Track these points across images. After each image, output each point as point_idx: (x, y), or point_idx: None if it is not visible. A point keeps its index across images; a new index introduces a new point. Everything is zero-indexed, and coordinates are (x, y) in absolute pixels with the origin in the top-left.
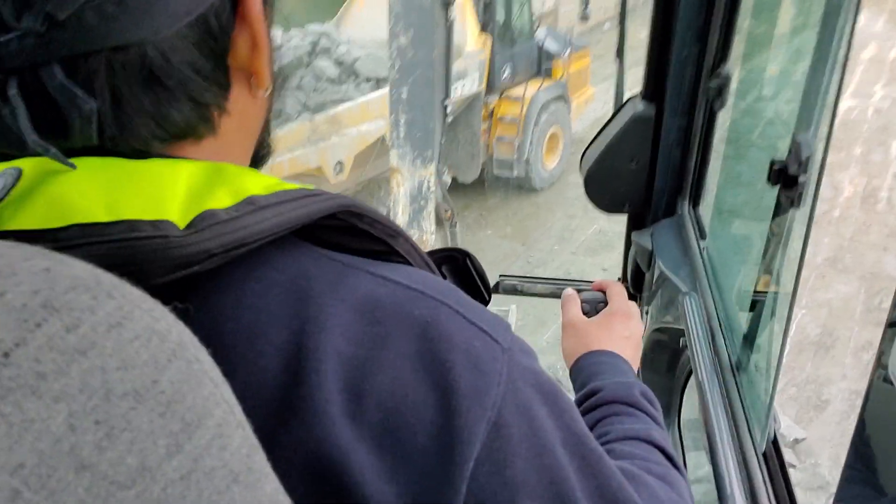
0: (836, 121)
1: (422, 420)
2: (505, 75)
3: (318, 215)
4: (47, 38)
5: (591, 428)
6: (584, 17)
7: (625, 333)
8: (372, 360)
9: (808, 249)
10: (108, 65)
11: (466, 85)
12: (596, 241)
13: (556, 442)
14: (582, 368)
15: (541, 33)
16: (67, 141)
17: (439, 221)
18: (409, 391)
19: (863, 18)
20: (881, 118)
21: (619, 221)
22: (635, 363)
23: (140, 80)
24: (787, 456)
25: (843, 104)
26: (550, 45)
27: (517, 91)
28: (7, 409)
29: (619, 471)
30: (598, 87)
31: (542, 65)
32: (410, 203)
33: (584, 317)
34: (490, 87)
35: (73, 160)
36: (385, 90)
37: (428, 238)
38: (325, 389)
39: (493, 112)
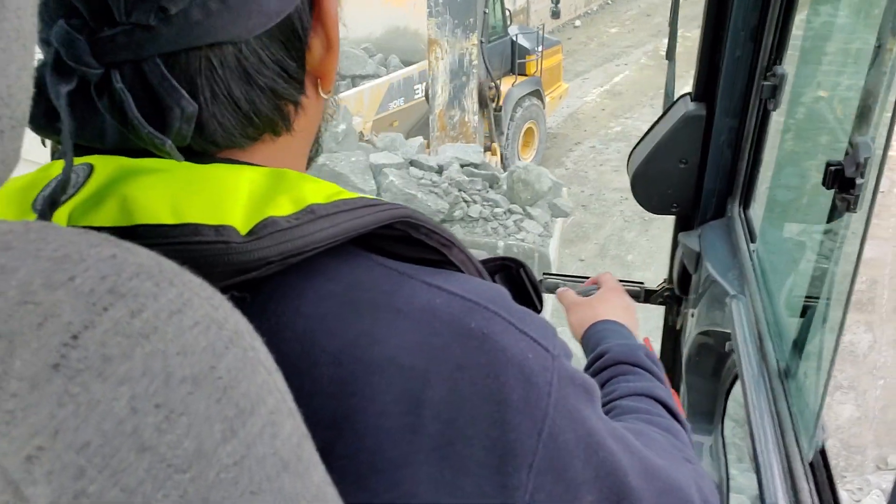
0: None
1: (478, 432)
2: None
3: (375, 225)
4: (154, 33)
5: (601, 387)
6: (556, 15)
7: (622, 304)
8: (430, 371)
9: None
10: (208, 62)
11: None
12: (572, 233)
13: (604, 435)
14: (590, 336)
15: (513, 30)
16: (163, 134)
17: (482, 101)
18: (467, 403)
19: None
20: None
21: (596, 213)
22: (636, 330)
23: (235, 77)
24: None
25: None
26: (523, 42)
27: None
28: (75, 389)
29: (629, 430)
30: (571, 83)
31: (515, 61)
32: (451, 79)
33: (584, 297)
34: None
35: (144, 161)
36: (360, 88)
37: (470, 119)
38: (378, 402)
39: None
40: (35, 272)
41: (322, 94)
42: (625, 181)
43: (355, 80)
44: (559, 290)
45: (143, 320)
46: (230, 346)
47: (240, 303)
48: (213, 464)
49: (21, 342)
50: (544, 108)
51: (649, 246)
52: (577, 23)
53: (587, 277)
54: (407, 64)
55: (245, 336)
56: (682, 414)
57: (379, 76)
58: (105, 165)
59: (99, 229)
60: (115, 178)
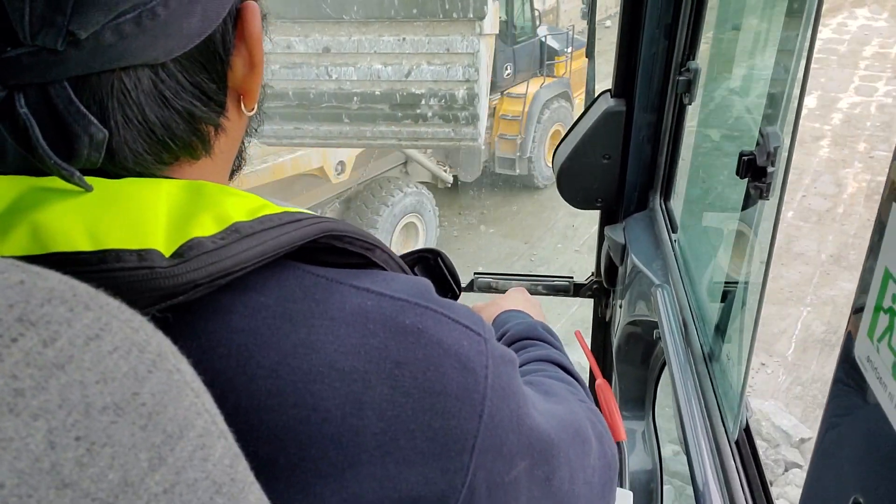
0: (839, 117)
1: (421, 424)
2: (507, 73)
3: (301, 241)
4: (62, 56)
5: None
6: (586, 15)
7: (524, 297)
8: (370, 372)
9: (812, 246)
10: (121, 85)
11: None
12: (586, 246)
13: (528, 403)
14: (495, 325)
15: (542, 31)
16: (68, 164)
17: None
18: (409, 398)
19: (867, 13)
20: (885, 114)
21: None
22: (539, 317)
23: (150, 101)
24: (793, 455)
25: (847, 100)
26: (552, 43)
27: (519, 89)
28: None
29: (532, 385)
30: (602, 84)
31: (544, 62)
32: None
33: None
34: (492, 85)
35: (51, 180)
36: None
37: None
38: (320, 409)
39: (495, 110)
40: None
41: (245, 112)
42: None
43: None
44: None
45: (58, 349)
46: (153, 370)
47: (163, 323)
48: (140, 494)
49: None
50: (573, 110)
51: None
52: (608, 23)
53: (516, 275)
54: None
55: (169, 358)
56: (576, 371)
57: None
58: (10, 188)
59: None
60: (21, 202)
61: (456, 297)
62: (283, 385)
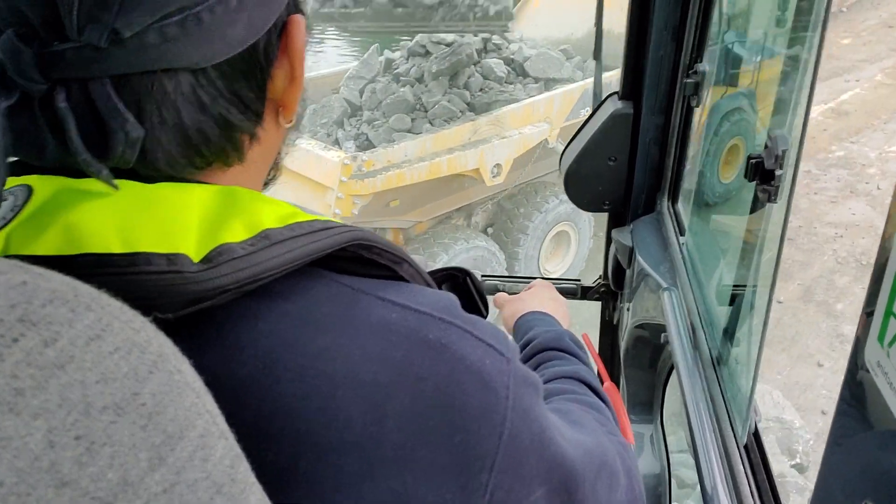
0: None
1: (440, 439)
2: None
3: (330, 249)
4: (105, 53)
5: None
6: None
7: (550, 296)
8: (392, 384)
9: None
10: (160, 87)
11: None
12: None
13: (552, 429)
14: (520, 326)
15: (729, 37)
16: (102, 161)
17: None
18: (430, 412)
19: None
20: None
21: (803, 249)
22: (565, 321)
23: (187, 105)
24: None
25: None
26: (739, 51)
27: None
28: None
29: (560, 412)
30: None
31: (728, 71)
32: None
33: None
34: None
35: (87, 182)
36: (552, 93)
37: None
38: (342, 416)
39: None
40: None
41: (283, 123)
42: (843, 215)
43: (549, 83)
44: (495, 296)
45: (58, 349)
46: (154, 371)
47: (164, 325)
48: (140, 493)
49: None
50: (756, 123)
51: (863, 295)
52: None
53: (524, 277)
54: (608, 69)
55: (170, 359)
56: (603, 388)
57: (574, 80)
58: (45, 187)
59: (41, 258)
60: (56, 202)
61: (484, 318)
62: (308, 389)
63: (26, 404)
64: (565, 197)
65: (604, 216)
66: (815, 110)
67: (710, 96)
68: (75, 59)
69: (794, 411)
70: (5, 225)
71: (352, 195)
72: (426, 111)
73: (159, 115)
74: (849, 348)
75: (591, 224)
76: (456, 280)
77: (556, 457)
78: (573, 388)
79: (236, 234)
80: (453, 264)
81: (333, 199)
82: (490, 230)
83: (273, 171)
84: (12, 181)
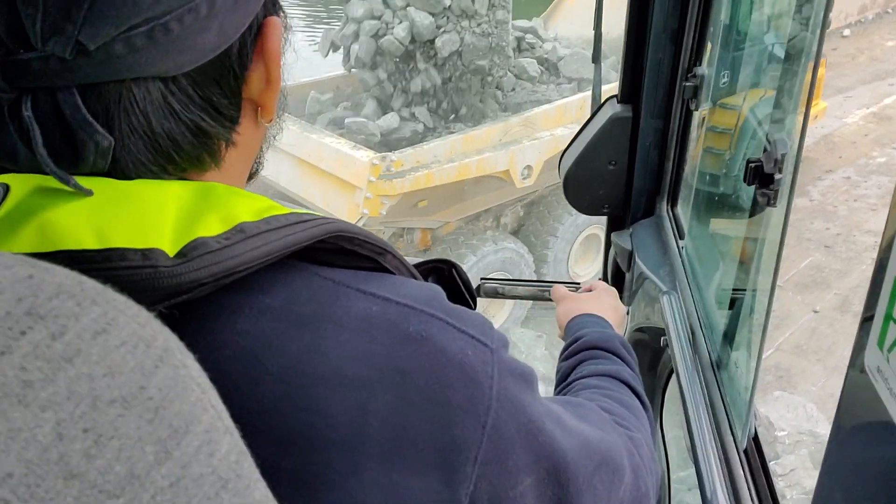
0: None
1: (425, 434)
2: (723, 81)
3: (307, 242)
4: (71, 64)
5: (573, 368)
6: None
7: (612, 303)
8: (374, 380)
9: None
10: (129, 96)
11: None
12: (809, 277)
13: (542, 419)
14: (572, 326)
15: (770, 38)
16: (74, 169)
17: None
18: (413, 407)
19: None
20: None
21: (841, 258)
22: (620, 329)
23: (157, 114)
24: None
25: None
26: (779, 52)
27: (734, 100)
28: None
29: (567, 403)
30: (831, 101)
31: (767, 73)
32: None
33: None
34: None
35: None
36: (584, 94)
37: None
38: (326, 414)
39: (703, 121)
40: None
41: (262, 123)
42: (883, 223)
43: (582, 83)
44: (553, 287)
45: (66, 342)
46: (160, 365)
47: (169, 320)
48: (147, 487)
49: None
50: (796, 127)
51: None
52: (846, 32)
53: (523, 281)
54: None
55: (175, 353)
56: (646, 398)
57: (608, 81)
58: (21, 185)
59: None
60: (31, 201)
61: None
62: (290, 390)
63: (35, 396)
64: None
65: None
66: (857, 114)
67: (707, 99)
68: (41, 69)
69: (829, 425)
70: None
71: (380, 195)
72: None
73: (129, 123)
74: None
75: None
76: (441, 272)
77: (544, 447)
78: (607, 385)
79: (211, 228)
80: (437, 258)
81: (362, 198)
82: (519, 232)
83: (255, 166)
84: None
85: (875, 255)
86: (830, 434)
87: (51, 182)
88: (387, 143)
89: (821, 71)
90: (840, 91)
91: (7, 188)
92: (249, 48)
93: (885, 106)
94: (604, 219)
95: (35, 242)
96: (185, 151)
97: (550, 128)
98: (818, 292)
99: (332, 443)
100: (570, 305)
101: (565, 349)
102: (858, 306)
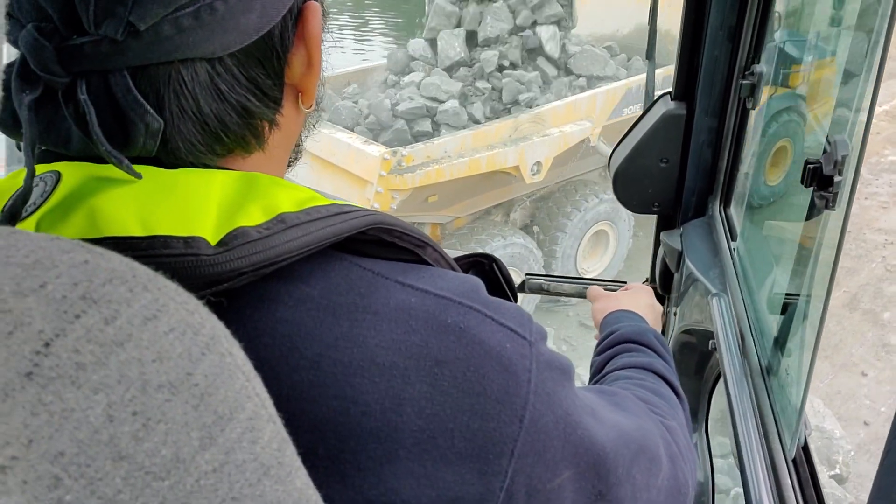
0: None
1: (459, 425)
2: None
3: (348, 233)
4: (122, 46)
5: (606, 362)
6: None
7: (649, 301)
8: (410, 369)
9: None
10: (178, 77)
11: None
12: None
13: (581, 413)
14: (607, 322)
15: (780, 36)
16: (124, 151)
17: None
18: (448, 398)
19: None
20: None
21: (851, 255)
22: (657, 327)
23: (205, 94)
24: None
25: None
26: (791, 51)
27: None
28: (49, 398)
29: (601, 393)
30: None
31: (780, 72)
32: None
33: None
34: None
35: (112, 168)
36: (594, 91)
37: None
38: (360, 402)
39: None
40: (4, 279)
41: (303, 108)
42: (894, 221)
43: (592, 80)
44: (589, 288)
45: (117, 327)
46: (206, 352)
47: (216, 308)
48: (191, 471)
49: None
50: (804, 125)
51: None
52: None
53: (569, 278)
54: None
55: (222, 341)
56: (681, 388)
57: (618, 78)
58: (72, 174)
59: None
60: (82, 188)
61: None
62: (325, 377)
63: (87, 378)
64: (605, 196)
65: (645, 217)
66: None
67: (765, 97)
68: (94, 53)
69: (836, 421)
70: (35, 210)
71: (391, 190)
72: None
73: (178, 104)
74: (895, 359)
75: (631, 224)
76: (482, 267)
77: (583, 440)
78: (640, 376)
79: (253, 217)
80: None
81: (372, 193)
82: (528, 228)
83: (295, 154)
84: (42, 168)
85: (885, 253)
86: (890, 433)
87: (100, 171)
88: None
89: (832, 68)
90: None
91: (59, 176)
92: (291, 31)
93: None
94: (613, 214)
95: (84, 228)
96: (231, 132)
97: (560, 124)
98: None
99: (366, 430)
100: (605, 303)
101: (599, 343)
102: (867, 304)
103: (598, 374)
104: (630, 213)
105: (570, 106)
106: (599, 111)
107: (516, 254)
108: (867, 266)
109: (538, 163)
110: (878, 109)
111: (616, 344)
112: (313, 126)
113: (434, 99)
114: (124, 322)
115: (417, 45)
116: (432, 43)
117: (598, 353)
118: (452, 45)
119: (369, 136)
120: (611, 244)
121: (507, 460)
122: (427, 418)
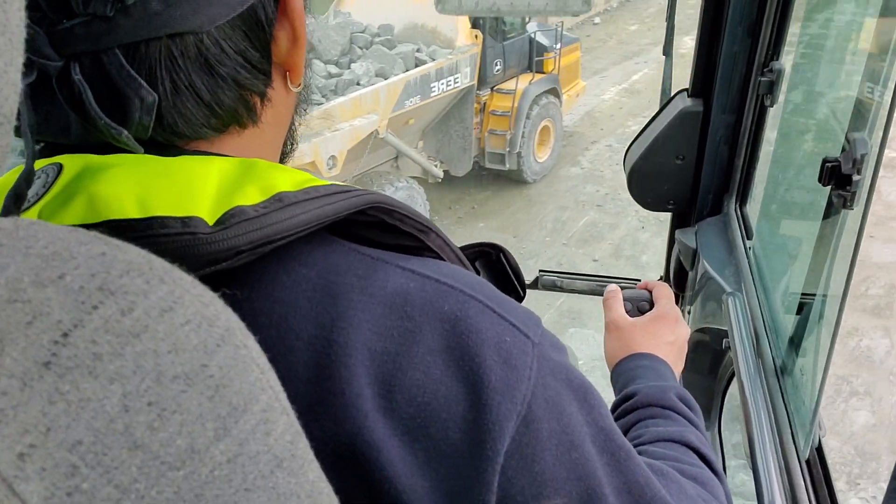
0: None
1: (453, 415)
2: (496, 69)
3: (347, 211)
4: (112, 24)
5: (626, 432)
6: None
7: (669, 338)
8: (402, 355)
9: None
10: (168, 52)
11: (458, 79)
12: (587, 233)
13: (585, 437)
14: (621, 373)
15: (532, 27)
16: (123, 126)
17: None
18: (441, 386)
19: None
20: None
21: (611, 213)
22: (678, 368)
23: (196, 68)
24: None
25: None
26: (542, 40)
27: (509, 85)
28: (66, 387)
29: (649, 467)
30: (589, 81)
31: (533, 59)
32: None
33: (628, 317)
34: (482, 81)
35: (111, 157)
36: (377, 85)
37: None
38: (355, 384)
39: (484, 106)
40: (24, 270)
41: (291, 88)
42: None
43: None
44: (608, 289)
45: (134, 318)
46: (222, 344)
47: (231, 300)
48: (206, 461)
49: (10, 340)
50: (561, 106)
51: (664, 247)
52: (597, 20)
53: (582, 275)
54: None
55: (237, 333)
56: (718, 462)
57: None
58: (73, 164)
59: None
60: (82, 176)
61: (520, 299)
62: (320, 357)
63: (104, 369)
64: (401, 184)
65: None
66: (612, 91)
67: (783, 95)
68: (85, 34)
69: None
70: (37, 201)
71: None
72: None
73: (171, 79)
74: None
75: (427, 209)
76: (489, 257)
77: (578, 467)
78: (679, 454)
79: (250, 197)
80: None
81: None
82: None
83: (289, 143)
84: (44, 162)
85: (638, 208)
86: None
87: (101, 159)
88: None
89: (577, 54)
90: (596, 72)
91: (61, 167)
92: (273, 5)
93: (634, 82)
94: (409, 201)
95: (83, 214)
96: (224, 105)
97: (348, 119)
98: (595, 244)
99: (361, 412)
100: (619, 341)
101: (616, 406)
102: (629, 251)
103: None
104: (424, 198)
105: (356, 101)
106: (384, 104)
107: None
108: (625, 221)
109: (332, 157)
110: (618, 88)
111: (636, 409)
112: (305, 111)
113: None
114: (141, 313)
115: None
116: None
117: (616, 416)
118: None
119: None
120: None
121: (499, 459)
122: (419, 407)
